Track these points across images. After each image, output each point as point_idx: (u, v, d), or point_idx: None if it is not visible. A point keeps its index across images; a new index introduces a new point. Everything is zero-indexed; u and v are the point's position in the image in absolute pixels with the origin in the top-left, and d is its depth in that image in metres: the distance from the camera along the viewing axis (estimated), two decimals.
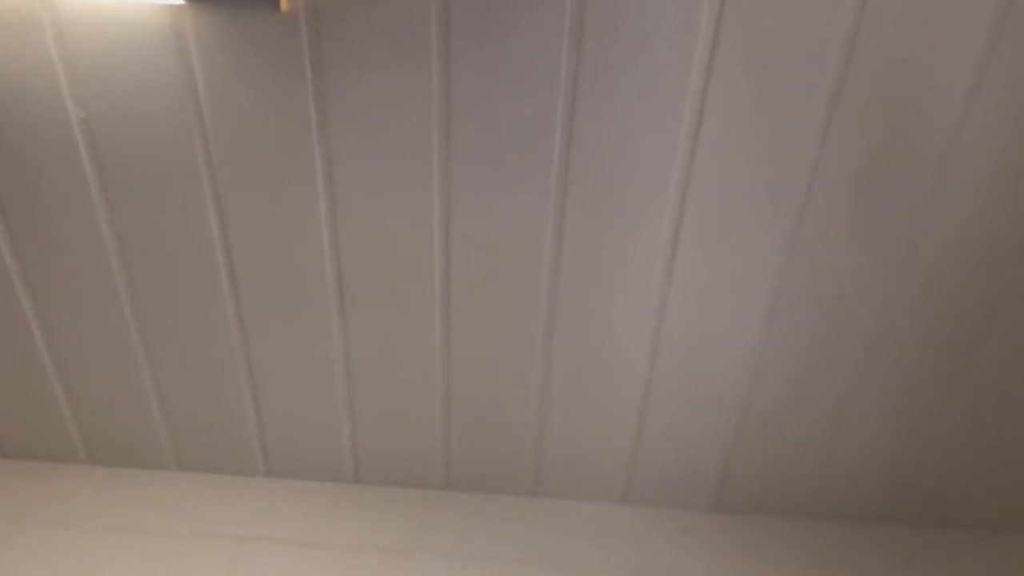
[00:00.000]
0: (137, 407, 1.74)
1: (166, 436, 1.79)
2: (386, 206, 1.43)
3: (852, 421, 1.63)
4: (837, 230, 1.40)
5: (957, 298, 1.47)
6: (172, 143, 1.39)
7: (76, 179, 1.44)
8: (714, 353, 1.57)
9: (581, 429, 1.70)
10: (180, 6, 1.28)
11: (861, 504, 1.77)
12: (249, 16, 1.27)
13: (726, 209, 1.40)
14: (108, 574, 1.65)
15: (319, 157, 1.39)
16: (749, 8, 1.22)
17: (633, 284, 1.50)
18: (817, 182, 1.35)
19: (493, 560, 1.72)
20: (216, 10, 1.27)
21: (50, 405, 1.76)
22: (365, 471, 1.82)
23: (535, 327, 1.56)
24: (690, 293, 1.50)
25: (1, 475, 1.87)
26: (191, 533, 1.74)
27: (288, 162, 1.40)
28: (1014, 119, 1.28)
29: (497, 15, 1.24)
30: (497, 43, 1.27)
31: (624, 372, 1.61)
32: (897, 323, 1.50)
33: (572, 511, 1.81)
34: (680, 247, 1.44)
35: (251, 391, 1.70)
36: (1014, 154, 1.31)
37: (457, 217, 1.43)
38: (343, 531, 1.76)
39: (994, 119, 1.28)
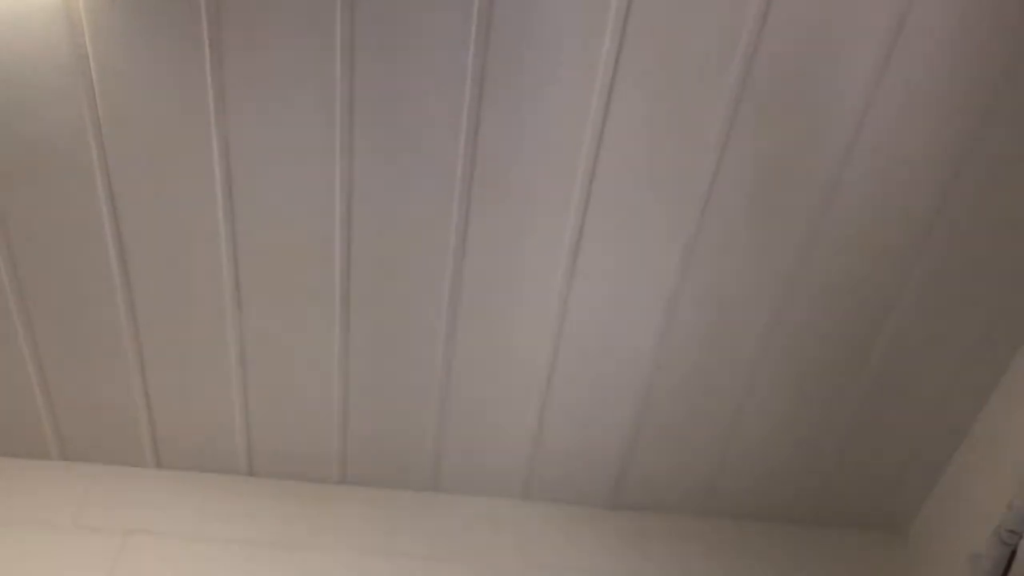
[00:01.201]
0: (19, 392, 1.66)
1: (49, 424, 1.71)
2: (286, 191, 1.40)
3: (746, 422, 1.67)
4: (736, 231, 1.43)
5: (847, 302, 1.51)
6: (62, 124, 1.33)
7: None
8: (614, 352, 1.58)
9: (481, 425, 1.70)
10: None
11: (753, 503, 1.81)
12: None
13: (629, 208, 1.41)
14: None
15: (216, 139, 1.34)
16: (656, 7, 1.23)
17: (536, 281, 1.50)
18: (717, 184, 1.37)
19: (391, 555, 1.70)
20: None
21: None
22: (259, 464, 1.77)
23: (437, 321, 1.54)
24: (592, 291, 1.51)
25: None
26: (74, 526, 1.68)
27: (183, 144, 1.35)
28: (904, 132, 1.32)
29: (403, 3, 1.23)
30: (404, 30, 1.25)
31: (525, 369, 1.61)
32: (790, 325, 1.53)
33: (471, 506, 1.81)
34: (583, 244, 1.45)
35: (141, 379, 1.64)
36: (903, 166, 1.36)
37: (359, 204, 1.41)
38: (235, 525, 1.71)
39: (885, 133, 1.32)
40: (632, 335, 1.56)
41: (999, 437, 1.58)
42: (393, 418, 1.69)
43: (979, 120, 1.30)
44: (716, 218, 1.41)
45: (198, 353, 1.60)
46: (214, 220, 1.43)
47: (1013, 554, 1.39)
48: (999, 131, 1.31)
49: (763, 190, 1.38)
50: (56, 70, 1.28)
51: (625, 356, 1.59)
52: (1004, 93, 1.27)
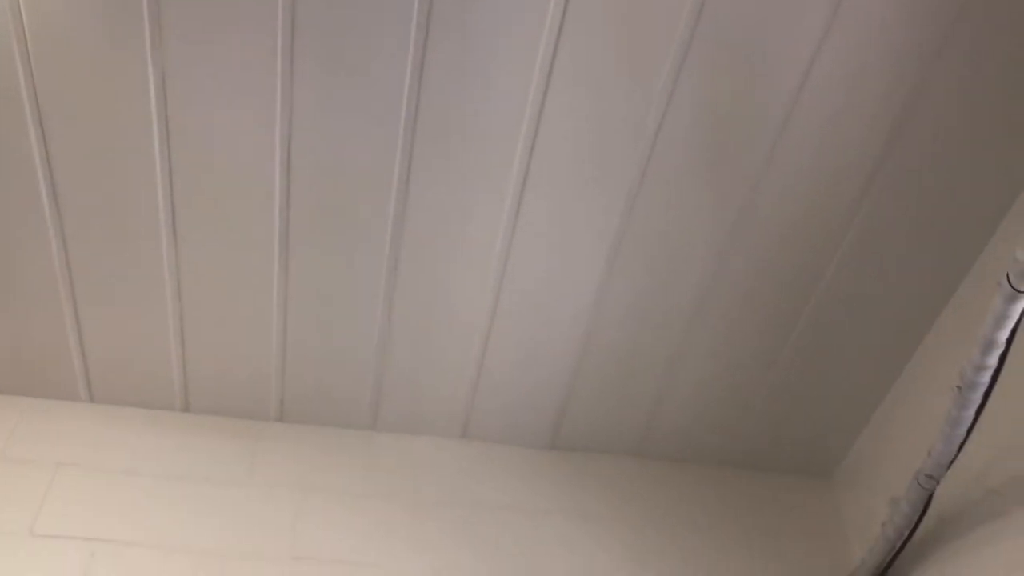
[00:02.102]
0: None
1: None
2: (224, 126, 1.36)
3: (682, 368, 1.69)
4: (678, 186, 1.43)
5: (784, 259, 1.53)
6: None
7: None
8: (555, 297, 1.59)
9: (422, 365, 1.70)
10: None
11: (687, 447, 1.85)
12: None
13: (574, 156, 1.41)
14: None
15: (152, 72, 1.30)
16: None
17: (479, 225, 1.49)
18: (663, 132, 1.37)
19: (329, 492, 1.70)
20: None
21: None
22: (195, 400, 1.76)
23: (378, 263, 1.53)
24: (534, 237, 1.50)
25: None
26: (2, 458, 1.65)
27: (118, 76, 1.30)
28: (846, 90, 1.33)
29: None
30: None
31: (467, 310, 1.61)
32: (728, 275, 1.55)
33: (410, 446, 1.82)
34: (527, 190, 1.44)
35: (73, 313, 1.60)
36: (845, 124, 1.37)
37: (299, 142, 1.38)
38: (170, 460, 1.70)
39: (830, 82, 1.32)
40: (573, 281, 1.57)
41: (922, 389, 1.63)
42: (332, 358, 1.68)
43: (927, 69, 1.31)
44: (661, 166, 1.41)
45: (132, 288, 1.57)
46: (150, 155, 1.39)
47: (930, 498, 1.45)
48: (946, 81, 1.32)
49: (709, 138, 1.38)
50: None
51: (566, 301, 1.59)
52: (954, 37, 1.27)
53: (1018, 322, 1.17)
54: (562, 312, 1.61)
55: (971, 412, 1.29)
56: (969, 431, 1.32)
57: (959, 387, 1.27)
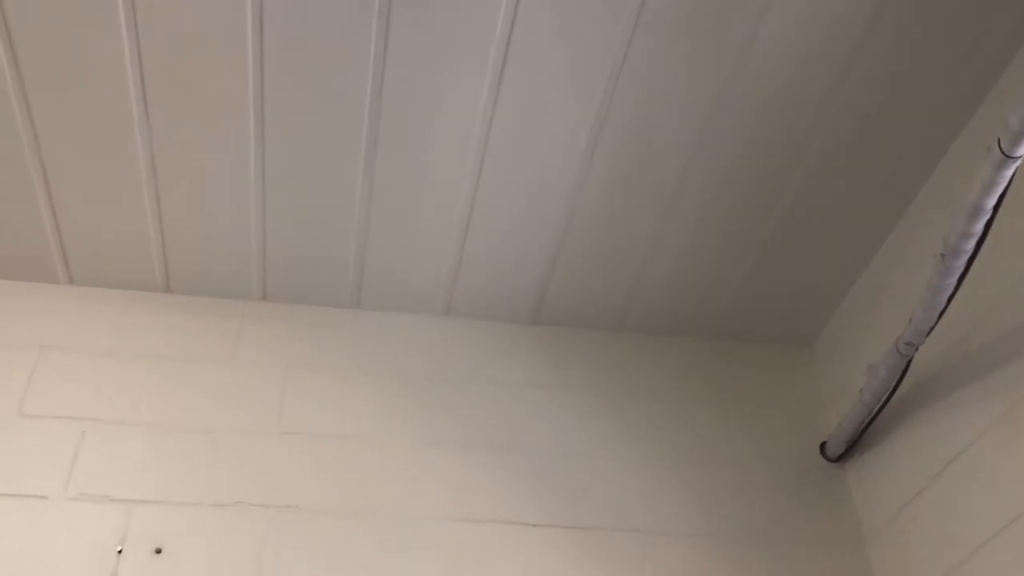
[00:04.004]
0: None
1: None
2: None
3: (664, 243, 1.69)
4: (665, 51, 1.39)
5: (769, 129, 1.50)
6: None
7: None
8: (537, 172, 1.56)
9: (404, 240, 1.68)
10: None
11: (666, 320, 1.86)
12: None
13: (558, 25, 1.36)
14: None
15: None
16: None
17: (461, 95, 1.45)
18: (646, 6, 1.32)
19: (315, 369, 1.72)
20: None
21: None
22: (177, 280, 1.74)
23: (357, 133, 1.49)
24: (517, 109, 1.46)
25: None
26: None
27: None
28: None
29: None
30: None
31: (448, 185, 1.58)
32: (713, 147, 1.53)
33: (393, 322, 1.82)
34: (509, 61, 1.39)
35: (45, 191, 1.56)
36: None
37: (272, 3, 1.31)
38: (153, 340, 1.70)
39: None
40: (557, 155, 1.54)
41: (903, 259, 1.65)
42: (313, 234, 1.66)
43: None
44: (646, 36, 1.37)
45: (104, 164, 1.52)
46: (115, 24, 1.32)
47: (908, 364, 1.48)
48: None
49: (693, 7, 1.34)
50: None
51: (549, 175, 1.57)
52: None
53: (1005, 189, 1.17)
54: (545, 186, 1.59)
55: (953, 280, 1.30)
56: (950, 299, 1.34)
57: (942, 255, 1.28)
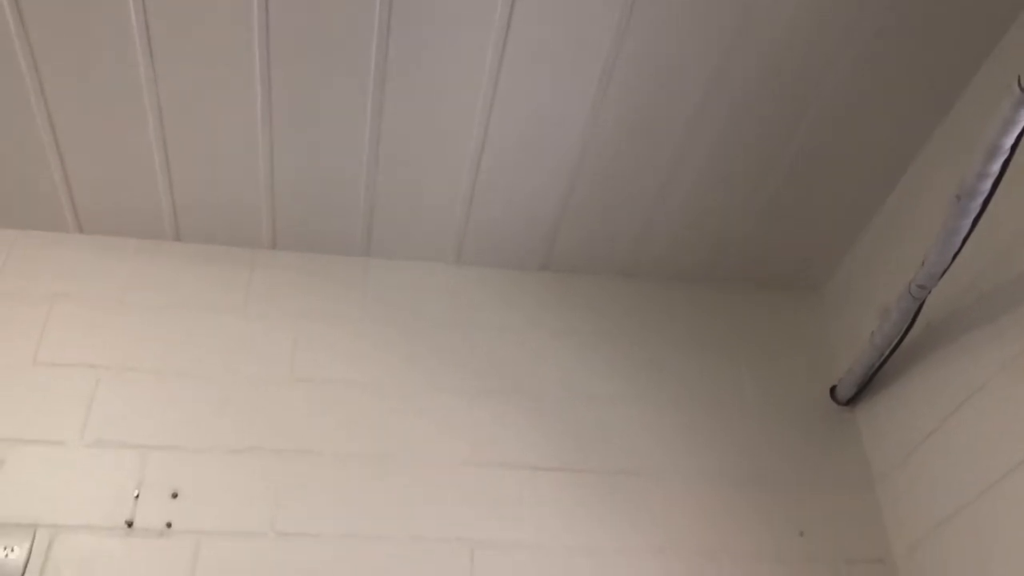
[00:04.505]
0: None
1: None
2: None
3: (675, 183, 1.67)
4: None
5: (783, 67, 1.48)
6: None
7: None
8: (547, 117, 1.54)
9: (413, 187, 1.67)
10: None
11: (676, 266, 1.86)
12: None
13: None
14: None
15: None
16: None
17: (471, 35, 1.42)
18: None
19: (326, 317, 1.72)
20: None
21: None
22: (186, 229, 1.74)
23: (364, 75, 1.47)
24: (526, 55, 1.44)
25: None
26: None
27: None
28: None
29: None
30: None
31: (457, 133, 1.57)
32: (726, 88, 1.51)
33: (404, 271, 1.82)
34: (518, 4, 1.37)
35: (52, 138, 1.55)
36: None
37: None
38: (166, 289, 1.70)
39: None
40: (566, 100, 1.52)
41: (916, 202, 1.63)
42: (322, 180, 1.65)
43: None
44: None
45: (111, 111, 1.51)
46: None
47: (920, 307, 1.48)
48: None
49: None
50: None
51: (560, 117, 1.55)
52: None
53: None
54: (555, 129, 1.57)
55: (968, 221, 1.29)
56: (964, 241, 1.33)
57: (957, 196, 1.26)
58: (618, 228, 1.77)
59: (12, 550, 1.38)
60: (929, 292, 1.43)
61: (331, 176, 1.64)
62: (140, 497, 1.47)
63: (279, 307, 1.72)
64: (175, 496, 1.47)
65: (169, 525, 1.45)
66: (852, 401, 1.73)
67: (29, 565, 1.38)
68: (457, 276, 1.83)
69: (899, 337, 1.54)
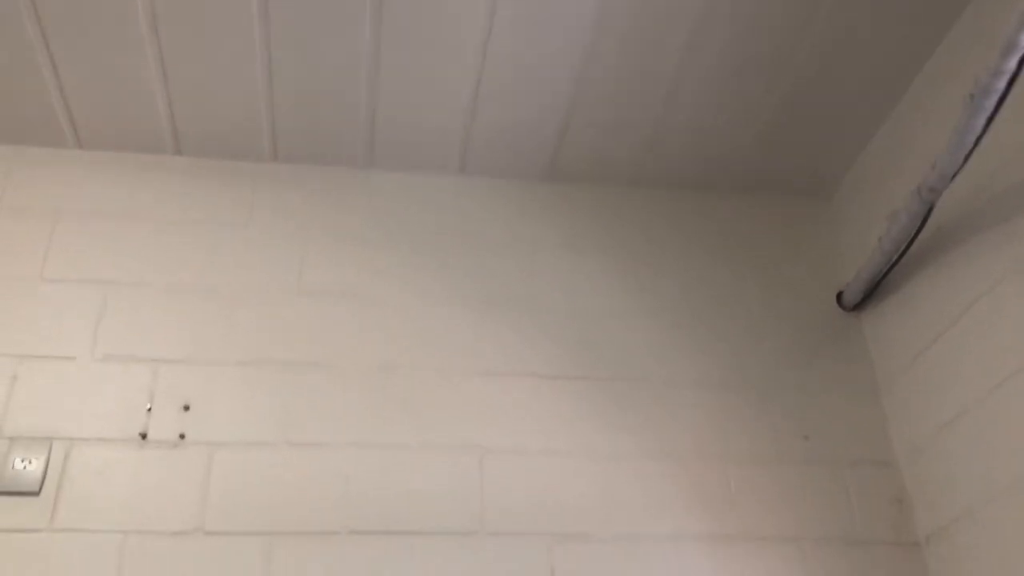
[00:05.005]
0: None
1: None
2: None
3: (684, 87, 1.64)
4: None
5: None
6: None
7: None
8: (553, 21, 1.50)
9: (415, 95, 1.64)
10: None
11: (686, 173, 1.83)
12: None
13: None
14: None
15: None
16: None
17: None
18: None
19: (331, 231, 1.71)
20: None
21: None
22: (187, 143, 1.72)
23: None
24: None
25: None
26: (1, 208, 1.63)
27: None
28: None
29: None
30: None
31: (459, 38, 1.53)
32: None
33: (408, 183, 1.80)
34: None
35: (46, 51, 1.52)
36: None
37: None
38: (169, 204, 1.69)
39: None
40: (571, 6, 1.47)
41: (928, 105, 1.59)
42: (321, 87, 1.62)
43: None
44: None
45: (103, 18, 1.48)
46: None
47: (930, 210, 1.46)
48: None
49: None
50: None
51: (563, 28, 1.51)
52: None
53: None
54: (560, 36, 1.54)
55: (982, 120, 1.26)
56: (977, 141, 1.30)
57: (972, 95, 1.24)
58: (624, 136, 1.74)
59: (30, 462, 1.41)
60: (939, 195, 1.42)
61: (330, 85, 1.61)
62: (152, 410, 1.48)
63: (283, 221, 1.71)
64: (187, 408, 1.49)
65: (182, 437, 1.47)
66: (859, 307, 1.72)
67: (47, 476, 1.41)
68: (461, 187, 1.82)
69: (908, 241, 1.53)
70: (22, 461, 1.41)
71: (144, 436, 1.46)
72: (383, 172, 1.80)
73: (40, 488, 1.39)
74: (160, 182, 1.71)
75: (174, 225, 1.67)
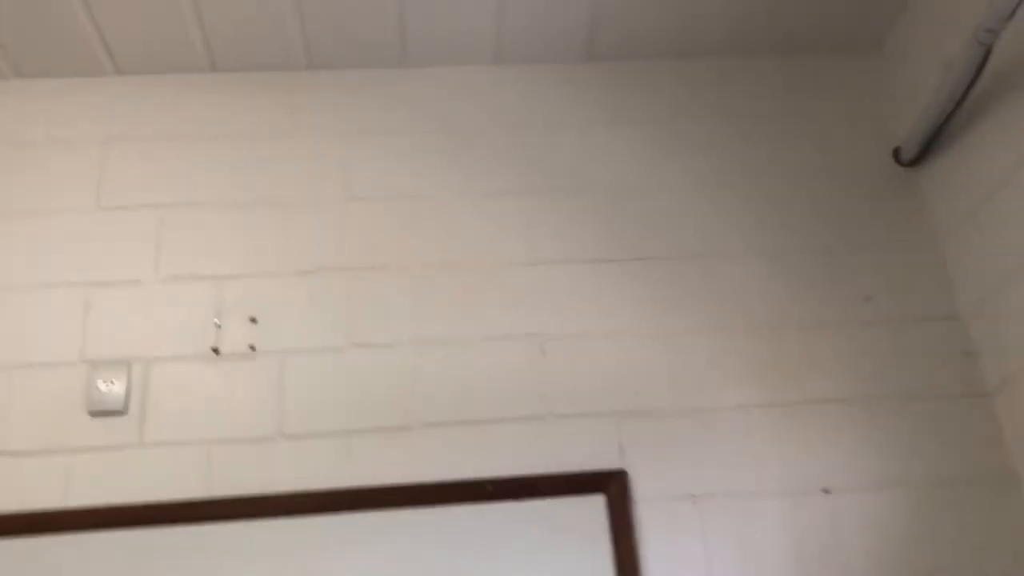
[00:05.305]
0: None
1: None
2: None
3: None
4: None
5: None
6: None
7: None
8: None
9: None
10: None
11: (730, 38, 1.77)
12: None
13: None
14: None
15: None
16: None
17: None
18: None
19: (372, 133, 1.71)
20: None
21: None
22: (221, 58, 1.71)
23: None
24: None
25: None
26: (48, 140, 1.66)
27: None
28: None
29: None
30: None
31: None
32: None
33: (443, 77, 1.78)
34: None
35: None
36: None
37: None
38: (212, 121, 1.70)
39: None
40: None
41: None
42: None
43: None
44: None
45: None
46: None
47: (987, 56, 1.40)
48: None
49: None
50: None
51: None
52: None
53: None
54: None
55: None
56: None
57: None
58: (661, 7, 1.68)
59: (112, 383, 1.47)
60: (997, 35, 1.35)
61: None
62: (221, 325, 1.53)
63: (324, 128, 1.71)
64: (254, 321, 1.53)
65: (252, 348, 1.51)
66: (916, 162, 1.68)
67: (131, 395, 1.47)
68: (498, 76, 1.79)
69: (964, 89, 1.47)
70: (105, 382, 1.47)
71: (216, 351, 1.51)
72: (418, 69, 1.78)
73: (126, 407, 1.46)
74: (201, 101, 1.72)
75: (219, 142, 1.68)
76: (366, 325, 1.54)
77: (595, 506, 1.41)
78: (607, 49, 1.78)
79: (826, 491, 1.45)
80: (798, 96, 1.79)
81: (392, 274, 1.58)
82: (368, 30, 1.68)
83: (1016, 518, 1.44)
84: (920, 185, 1.69)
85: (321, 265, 1.58)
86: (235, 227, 1.61)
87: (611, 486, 1.42)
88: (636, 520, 1.41)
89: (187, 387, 1.48)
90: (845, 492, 1.45)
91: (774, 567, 1.39)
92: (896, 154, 1.70)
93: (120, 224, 1.60)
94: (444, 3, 1.64)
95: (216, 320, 1.53)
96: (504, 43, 1.74)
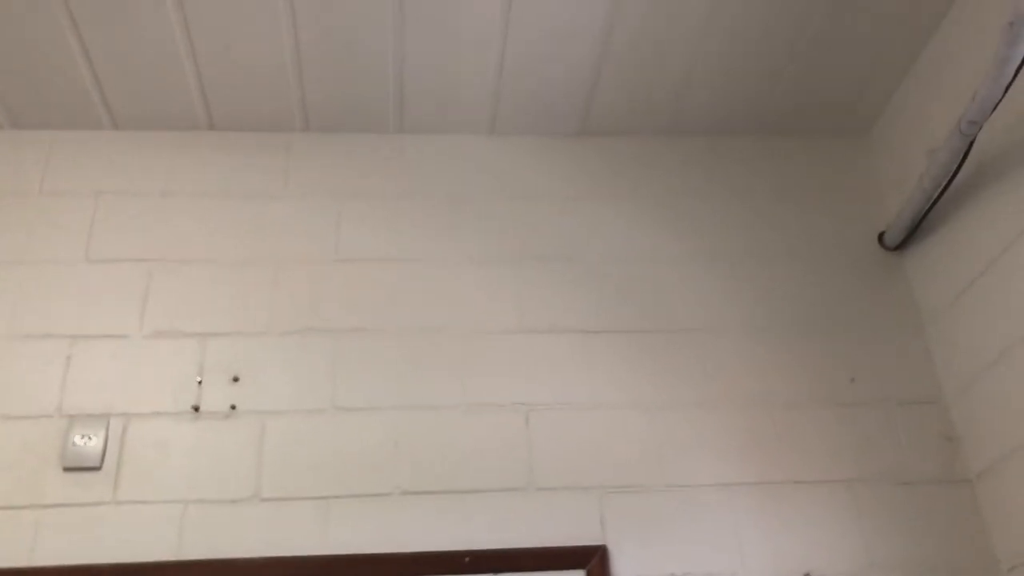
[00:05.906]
0: None
1: None
2: None
3: (713, 33, 1.61)
4: None
5: None
6: None
7: None
8: None
9: (442, 58, 1.64)
10: None
11: (721, 117, 1.81)
12: None
13: None
14: None
15: None
16: None
17: None
18: None
19: (365, 196, 1.72)
20: None
21: None
22: (219, 117, 1.73)
23: None
24: None
25: None
26: (41, 191, 1.67)
27: None
28: None
29: None
30: None
31: None
32: None
33: (439, 145, 1.80)
34: None
35: (76, 35, 1.54)
36: None
37: None
38: (206, 178, 1.71)
39: None
40: None
41: (965, 38, 1.55)
42: (349, 53, 1.62)
43: None
44: None
45: (131, 4, 1.49)
46: None
47: (971, 146, 1.43)
48: None
49: None
50: None
51: None
52: None
53: None
54: None
55: (1022, 49, 1.23)
56: (1018, 70, 1.27)
57: (1011, 23, 1.21)
58: (656, 84, 1.72)
59: (90, 438, 1.45)
60: (980, 128, 1.39)
61: (358, 48, 1.61)
62: (203, 383, 1.52)
63: (318, 189, 1.72)
64: (236, 380, 1.52)
65: (233, 407, 1.50)
66: (901, 246, 1.70)
67: (107, 451, 1.45)
68: (493, 147, 1.81)
69: (948, 178, 1.50)
70: (82, 438, 1.45)
71: (197, 408, 1.49)
72: (414, 135, 1.80)
73: (101, 463, 1.44)
74: (196, 158, 1.73)
75: (212, 199, 1.69)
76: (349, 389, 1.53)
77: None
78: (601, 124, 1.81)
79: (808, 575, 1.43)
80: (787, 177, 1.82)
81: (378, 337, 1.58)
82: (366, 94, 1.71)
83: None
84: (905, 269, 1.72)
85: (307, 326, 1.58)
86: (223, 284, 1.60)
87: (591, 562, 1.40)
88: None
89: (165, 445, 1.46)
90: (827, 575, 1.43)
91: None
92: (881, 238, 1.72)
93: (108, 277, 1.59)
94: (442, 72, 1.67)
95: (198, 377, 1.52)
96: (500, 114, 1.77)
